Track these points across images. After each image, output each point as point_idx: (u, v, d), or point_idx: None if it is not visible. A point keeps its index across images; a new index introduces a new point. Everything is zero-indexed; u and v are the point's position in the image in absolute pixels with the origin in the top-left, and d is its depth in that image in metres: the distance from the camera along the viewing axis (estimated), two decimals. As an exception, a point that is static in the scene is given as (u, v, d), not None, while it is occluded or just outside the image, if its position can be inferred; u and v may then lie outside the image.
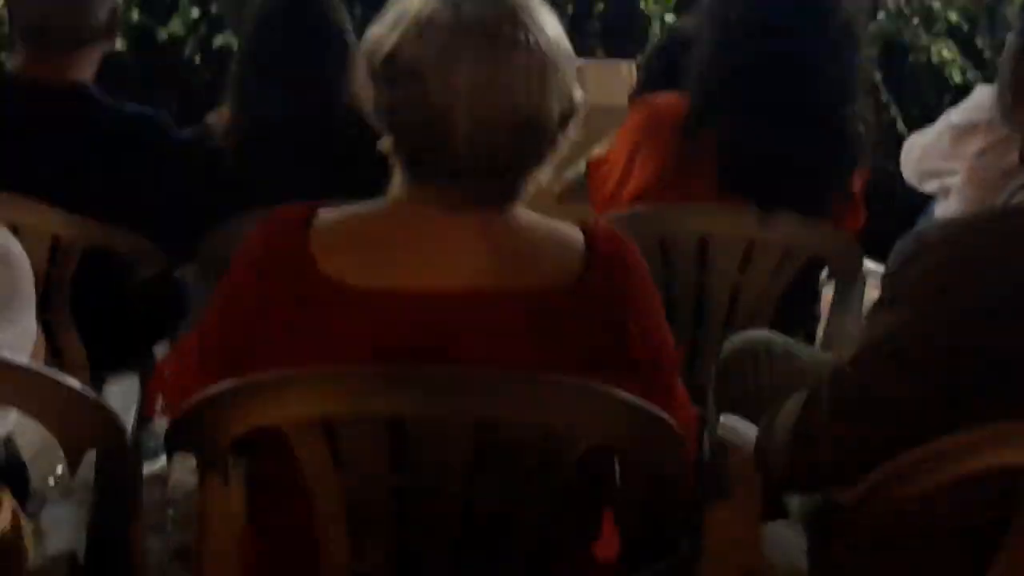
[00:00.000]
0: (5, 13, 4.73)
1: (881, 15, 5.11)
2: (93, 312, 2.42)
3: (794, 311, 2.59)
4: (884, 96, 4.91)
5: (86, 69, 2.52)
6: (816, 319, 2.77)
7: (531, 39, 1.47)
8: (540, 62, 1.47)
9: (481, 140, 1.46)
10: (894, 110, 4.94)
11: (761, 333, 2.24)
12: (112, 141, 2.47)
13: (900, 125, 4.81)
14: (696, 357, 2.52)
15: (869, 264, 2.63)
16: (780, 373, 2.10)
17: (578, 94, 1.53)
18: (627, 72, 3.84)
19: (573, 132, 1.54)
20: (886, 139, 4.38)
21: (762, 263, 2.49)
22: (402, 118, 1.50)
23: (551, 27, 1.51)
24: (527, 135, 1.49)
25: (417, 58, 1.45)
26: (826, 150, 2.51)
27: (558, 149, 1.53)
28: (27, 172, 2.34)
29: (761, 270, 2.49)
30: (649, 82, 2.94)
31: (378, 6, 1.54)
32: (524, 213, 1.55)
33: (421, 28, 1.46)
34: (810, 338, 2.69)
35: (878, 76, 4.87)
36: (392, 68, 1.48)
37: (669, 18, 4.98)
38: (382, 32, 1.50)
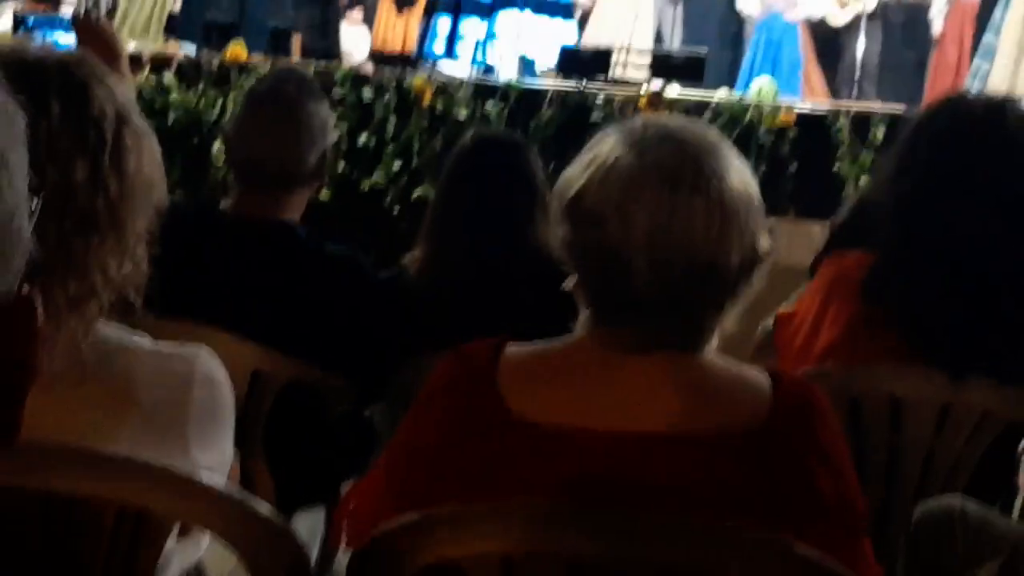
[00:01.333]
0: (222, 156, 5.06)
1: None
2: (285, 446, 2.48)
3: (990, 480, 2.48)
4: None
5: (295, 210, 2.63)
6: (1015, 491, 2.64)
7: (712, 185, 1.48)
8: (720, 208, 1.48)
9: (658, 283, 1.48)
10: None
11: (955, 500, 2.16)
12: (314, 279, 2.57)
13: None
14: (887, 522, 2.43)
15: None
16: (974, 543, 2.01)
17: (763, 243, 1.53)
18: (819, 233, 3.80)
19: (757, 281, 1.54)
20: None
21: (956, 428, 2.40)
22: (583, 258, 1.53)
23: (737, 174, 1.52)
24: (705, 280, 1.50)
25: (599, 201, 1.50)
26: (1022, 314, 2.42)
27: (739, 296, 1.54)
28: (230, 304, 2.44)
29: (955, 436, 2.40)
30: (838, 242, 2.91)
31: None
32: (710, 357, 1.55)
33: (606, 172, 1.50)
34: (1007, 509, 2.56)
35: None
36: (576, 209, 1.52)
37: (863, 180, 4.95)
38: (573, 174, 1.54)
